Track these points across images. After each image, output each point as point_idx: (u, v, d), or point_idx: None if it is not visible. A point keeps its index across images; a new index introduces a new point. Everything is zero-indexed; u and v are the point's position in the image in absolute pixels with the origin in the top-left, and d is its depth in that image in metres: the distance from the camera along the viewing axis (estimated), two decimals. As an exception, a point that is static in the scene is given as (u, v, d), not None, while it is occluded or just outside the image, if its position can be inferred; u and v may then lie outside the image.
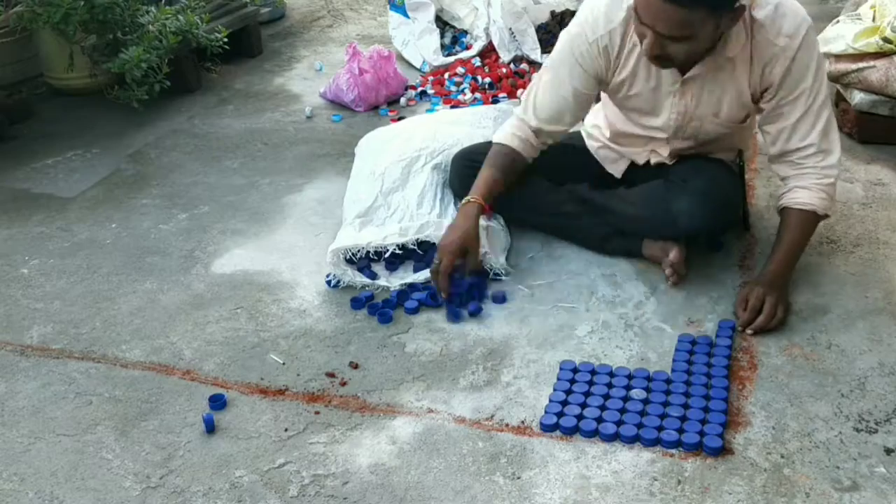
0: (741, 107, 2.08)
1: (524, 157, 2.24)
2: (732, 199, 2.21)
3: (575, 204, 2.30)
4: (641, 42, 1.92)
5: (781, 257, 2.08)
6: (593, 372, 1.89)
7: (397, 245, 2.25)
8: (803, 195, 2.06)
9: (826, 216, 2.10)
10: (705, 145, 2.20)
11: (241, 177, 2.93)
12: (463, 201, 2.18)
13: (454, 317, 2.09)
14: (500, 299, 2.15)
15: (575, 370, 1.90)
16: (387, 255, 2.27)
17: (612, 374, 1.88)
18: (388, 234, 2.27)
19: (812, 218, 2.08)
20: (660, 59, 1.93)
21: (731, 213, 2.24)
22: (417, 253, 2.28)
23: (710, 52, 1.96)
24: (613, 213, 2.24)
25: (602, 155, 2.35)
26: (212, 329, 2.13)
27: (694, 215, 2.09)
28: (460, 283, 2.12)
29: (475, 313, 2.10)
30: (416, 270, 2.27)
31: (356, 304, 2.16)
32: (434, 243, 2.22)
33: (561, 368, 1.91)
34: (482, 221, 2.24)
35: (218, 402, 1.86)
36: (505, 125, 2.28)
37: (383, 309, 2.13)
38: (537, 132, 2.22)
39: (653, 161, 2.26)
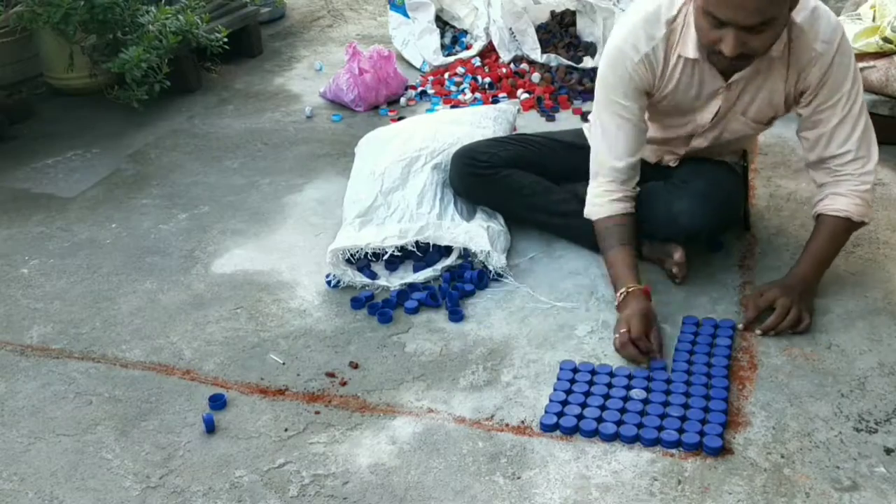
0: (771, 108, 2.06)
1: (632, 213, 2.13)
2: (733, 199, 2.21)
3: (575, 204, 2.29)
4: (714, 49, 1.86)
5: (810, 261, 2.06)
6: (593, 372, 1.89)
7: (396, 247, 2.25)
8: (839, 202, 2.03)
9: (863, 223, 2.07)
10: (721, 146, 2.20)
11: (242, 177, 2.93)
12: (621, 293, 2.01)
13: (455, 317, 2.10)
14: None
15: (575, 370, 1.90)
16: (386, 256, 2.27)
17: (612, 374, 1.89)
18: (387, 235, 2.27)
19: (846, 225, 2.05)
20: (742, 57, 1.87)
21: (732, 213, 2.24)
22: (417, 254, 2.28)
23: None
24: None
25: None
26: (212, 329, 2.13)
27: (695, 215, 2.09)
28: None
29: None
30: (415, 270, 2.27)
31: (356, 303, 2.16)
32: (430, 244, 2.24)
33: (561, 368, 1.91)
34: (482, 222, 2.25)
35: (218, 402, 1.86)
36: (591, 201, 2.14)
37: (383, 309, 2.13)
38: (630, 173, 2.11)
39: (664, 161, 2.25)
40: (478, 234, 2.28)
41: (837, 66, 1.94)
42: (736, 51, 1.83)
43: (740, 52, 1.84)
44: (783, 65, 1.97)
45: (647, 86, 2.05)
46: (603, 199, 2.12)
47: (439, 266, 2.27)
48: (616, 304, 2.03)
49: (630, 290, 2.00)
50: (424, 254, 2.28)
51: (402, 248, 2.27)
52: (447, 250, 2.30)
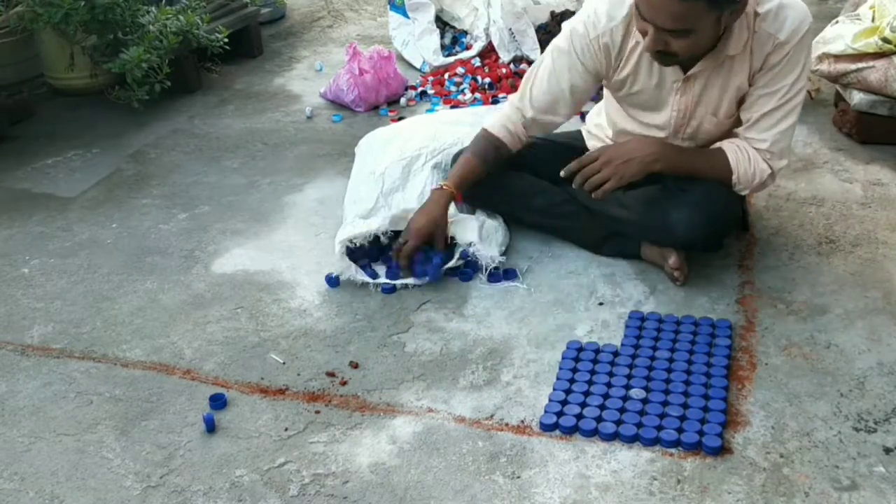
0: (740, 103, 2.08)
1: (509, 148, 2.27)
2: (730, 208, 2.19)
3: (573, 205, 2.30)
4: (644, 38, 1.93)
5: (684, 150, 2.12)
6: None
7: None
8: (740, 154, 2.06)
9: (732, 185, 2.09)
10: (706, 146, 2.20)
11: (242, 177, 2.93)
12: (435, 186, 2.24)
13: (420, 275, 2.22)
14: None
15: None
16: (388, 244, 2.29)
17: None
18: (393, 215, 2.31)
19: (726, 168, 2.07)
20: (661, 55, 1.94)
21: (729, 222, 2.23)
22: (418, 254, 2.28)
23: (713, 48, 1.97)
24: (610, 217, 2.24)
25: None
26: (212, 329, 2.14)
27: (692, 226, 2.08)
28: (426, 262, 2.21)
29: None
30: (416, 275, 2.27)
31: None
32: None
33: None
34: (480, 216, 2.25)
35: (218, 402, 1.86)
36: (497, 113, 2.30)
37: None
38: (529, 124, 2.25)
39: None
40: (469, 226, 2.29)
41: (792, 58, 1.97)
42: (653, 48, 1.91)
43: (660, 49, 1.90)
44: (747, 57, 1.99)
45: (597, 67, 2.12)
46: (501, 120, 2.26)
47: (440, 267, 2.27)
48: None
49: (443, 186, 2.22)
50: (426, 253, 2.28)
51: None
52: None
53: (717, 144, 2.11)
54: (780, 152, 2.06)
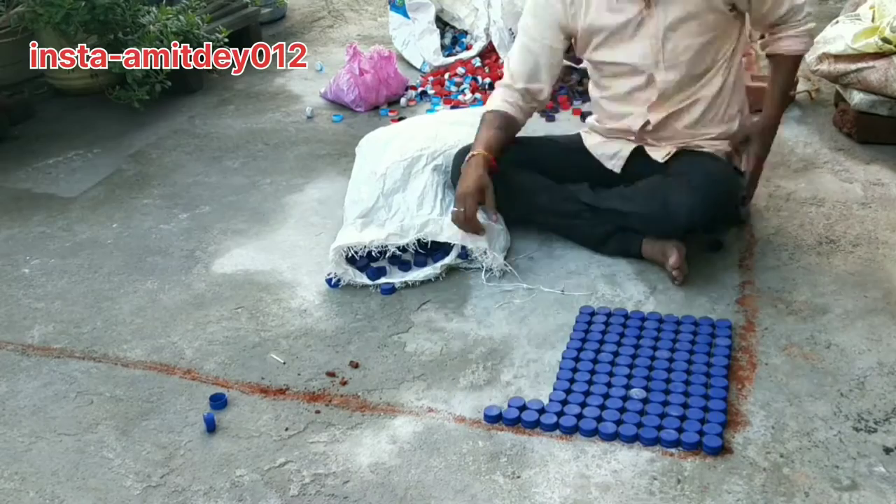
0: (710, 9, 2.13)
1: (517, 118, 2.34)
2: (731, 192, 2.22)
3: (574, 203, 2.30)
4: None
5: (779, 101, 2.30)
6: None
7: (398, 247, 2.26)
8: (793, 43, 2.23)
9: (805, 52, 2.29)
10: (694, 78, 2.21)
11: (242, 177, 2.93)
12: (468, 156, 2.26)
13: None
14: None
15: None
16: (388, 254, 2.27)
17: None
18: (389, 232, 2.27)
19: (798, 60, 2.28)
20: None
21: (730, 206, 2.24)
22: (419, 253, 2.28)
23: None
24: (614, 212, 2.24)
25: (601, 152, 2.36)
26: (213, 329, 2.14)
27: (693, 209, 2.10)
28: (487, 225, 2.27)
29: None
30: (417, 266, 2.28)
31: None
32: (431, 241, 2.26)
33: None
34: (481, 219, 2.25)
35: (219, 402, 1.86)
36: (491, 97, 2.38)
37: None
38: (523, 94, 2.32)
39: (652, 121, 2.25)
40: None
41: None
42: None
43: None
44: None
45: (558, 18, 2.22)
46: (498, 98, 2.34)
47: (439, 264, 2.27)
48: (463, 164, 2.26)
49: (475, 154, 2.24)
50: (426, 253, 2.28)
51: (403, 249, 2.27)
52: (447, 249, 2.31)
53: (775, 51, 2.25)
54: (801, 4, 2.19)
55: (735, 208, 2.28)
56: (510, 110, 2.33)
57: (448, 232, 2.28)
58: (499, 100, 2.34)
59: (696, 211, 2.10)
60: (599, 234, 2.30)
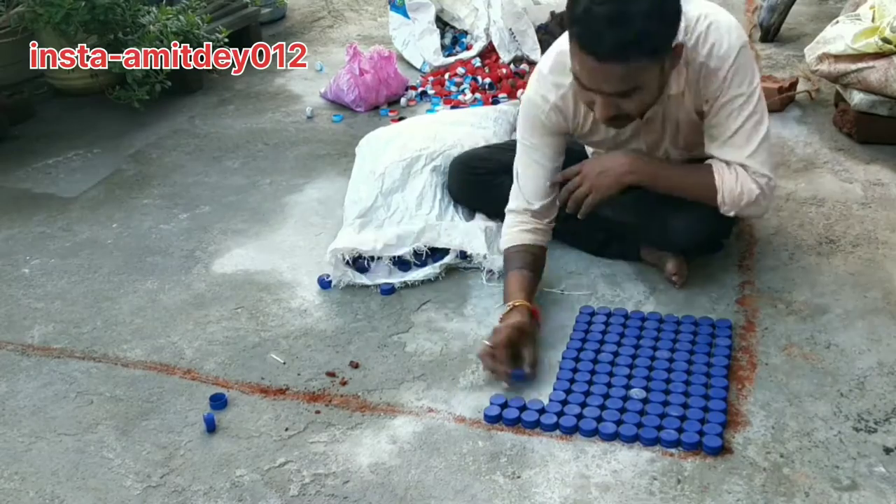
0: (698, 133, 2.04)
1: (541, 245, 2.13)
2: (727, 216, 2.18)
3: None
4: (592, 109, 1.88)
5: (667, 165, 2.06)
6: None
7: (390, 257, 2.26)
8: (727, 174, 1.96)
9: (718, 205, 1.98)
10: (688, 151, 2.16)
11: (242, 177, 2.93)
12: (508, 306, 1.98)
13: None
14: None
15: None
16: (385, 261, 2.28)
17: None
18: (385, 242, 2.26)
19: (710, 188, 1.97)
20: (616, 119, 1.88)
21: (727, 226, 2.22)
22: (417, 253, 2.28)
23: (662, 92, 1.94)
24: (609, 220, 2.24)
25: (594, 150, 2.35)
26: (213, 329, 2.14)
27: (691, 232, 2.08)
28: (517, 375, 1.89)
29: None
30: (416, 264, 2.28)
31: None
32: (430, 249, 2.26)
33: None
34: (481, 222, 2.25)
35: (219, 402, 1.86)
36: (504, 232, 2.15)
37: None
38: (539, 214, 2.12)
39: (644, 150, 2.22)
40: (475, 235, 2.29)
41: (732, 79, 1.91)
42: (606, 115, 1.85)
43: (615, 114, 1.85)
44: (688, 91, 1.96)
45: (562, 129, 2.08)
46: (514, 229, 2.12)
47: (438, 264, 2.27)
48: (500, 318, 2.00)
49: (516, 304, 1.97)
50: (423, 258, 2.28)
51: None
52: (447, 249, 2.31)
53: (706, 162, 2.03)
54: (761, 165, 1.95)
55: (730, 229, 2.26)
56: (531, 239, 2.10)
57: (445, 238, 2.28)
58: (514, 231, 2.11)
59: (694, 234, 2.09)
60: (598, 241, 2.30)
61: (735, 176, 1.97)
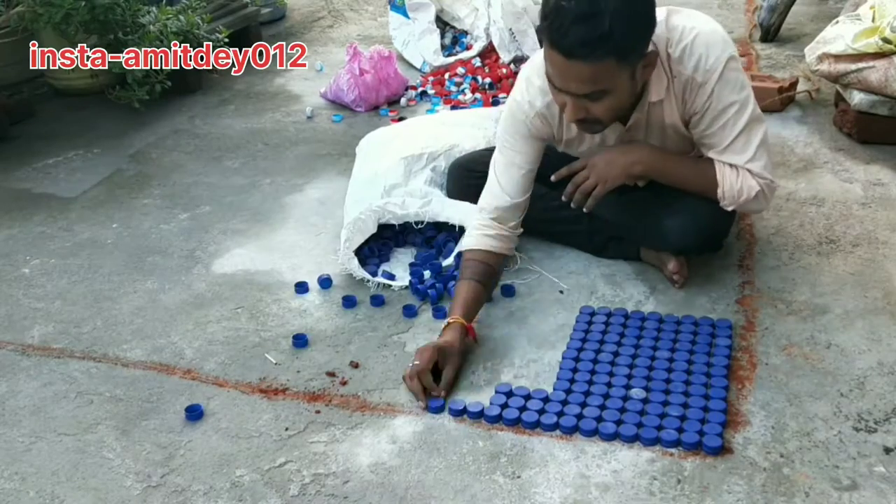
0: (683, 140, 2.05)
1: (499, 253, 2.10)
2: (723, 216, 2.13)
3: (572, 210, 2.29)
4: (563, 111, 1.89)
5: (671, 156, 2.04)
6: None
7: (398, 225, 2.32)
8: (727, 171, 1.97)
9: (718, 199, 2.00)
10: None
11: (242, 177, 2.93)
12: (445, 323, 1.97)
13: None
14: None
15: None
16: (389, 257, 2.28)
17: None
18: (388, 199, 2.32)
19: (711, 184, 1.99)
20: (585, 122, 1.89)
21: (723, 229, 2.21)
22: (419, 253, 2.29)
23: (639, 100, 1.94)
24: (607, 221, 2.24)
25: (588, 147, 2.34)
26: (213, 329, 2.14)
27: (685, 233, 2.08)
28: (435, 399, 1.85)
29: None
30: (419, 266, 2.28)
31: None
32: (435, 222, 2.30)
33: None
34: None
35: (194, 413, 1.83)
36: (469, 233, 2.13)
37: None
38: (507, 216, 2.09)
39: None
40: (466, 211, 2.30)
41: (720, 92, 1.91)
42: (574, 117, 1.86)
43: (582, 118, 1.86)
44: (672, 101, 1.96)
45: (545, 135, 2.09)
46: (477, 231, 2.09)
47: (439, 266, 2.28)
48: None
49: (450, 322, 1.95)
50: (428, 247, 2.29)
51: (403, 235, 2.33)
52: (448, 252, 2.31)
53: (710, 156, 2.03)
54: (762, 169, 1.97)
55: (725, 232, 2.25)
56: (493, 245, 2.07)
57: (449, 211, 2.29)
58: (477, 236, 2.08)
59: (689, 236, 2.09)
60: (597, 241, 2.30)
61: (736, 172, 1.98)
